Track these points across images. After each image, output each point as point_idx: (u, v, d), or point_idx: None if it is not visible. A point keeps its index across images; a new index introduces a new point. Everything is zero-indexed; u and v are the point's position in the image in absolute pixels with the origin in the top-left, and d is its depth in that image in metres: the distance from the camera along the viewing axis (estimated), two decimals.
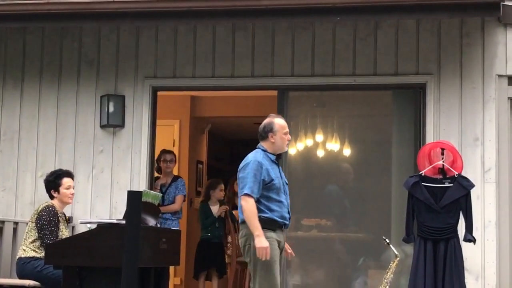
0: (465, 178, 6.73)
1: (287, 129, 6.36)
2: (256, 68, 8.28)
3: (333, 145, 8.58)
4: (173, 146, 10.60)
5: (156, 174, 9.05)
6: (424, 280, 6.56)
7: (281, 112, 8.31)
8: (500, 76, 7.77)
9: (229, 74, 8.32)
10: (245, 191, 6.05)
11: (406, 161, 8.09)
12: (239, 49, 8.32)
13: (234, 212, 10.08)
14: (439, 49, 7.92)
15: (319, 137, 8.60)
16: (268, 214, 6.11)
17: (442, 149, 6.82)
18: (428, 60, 7.94)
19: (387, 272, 7.27)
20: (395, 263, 7.27)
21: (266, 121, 6.33)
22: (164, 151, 9.22)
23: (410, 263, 6.79)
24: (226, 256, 9.94)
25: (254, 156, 6.22)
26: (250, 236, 6.07)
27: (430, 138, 7.71)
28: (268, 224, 6.10)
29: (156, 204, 6.69)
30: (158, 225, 6.68)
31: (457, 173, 6.69)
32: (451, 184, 6.65)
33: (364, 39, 8.10)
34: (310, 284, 8.47)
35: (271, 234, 6.10)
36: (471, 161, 7.62)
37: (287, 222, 6.29)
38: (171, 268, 8.88)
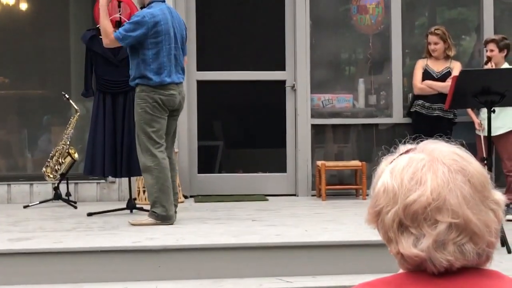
0: None
1: None
2: None
3: None
4: None
5: None
6: (104, 133, 6.60)
7: None
8: None
9: None
10: None
11: (83, 15, 7.93)
12: None
13: None
14: None
15: None
16: None
17: (119, 2, 6.76)
18: None
19: (68, 128, 7.23)
20: (75, 118, 7.24)
21: None
22: None
23: None
24: None
25: None
26: None
27: None
28: None
29: None
30: None
31: None
32: None
33: None
34: None
35: None
36: None
37: None
38: None
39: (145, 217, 6.05)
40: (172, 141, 6.27)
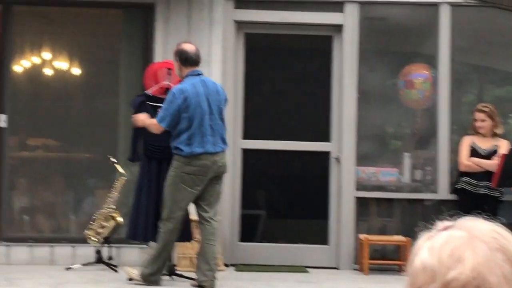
0: None
1: None
2: None
3: (62, 64, 8.33)
4: None
5: None
6: (148, 198, 6.64)
7: (5, 29, 7.91)
8: None
9: None
10: None
11: (134, 81, 8.06)
12: None
13: None
14: None
15: (47, 55, 8.31)
16: None
17: (169, 69, 6.87)
18: None
19: (112, 191, 7.29)
20: (120, 182, 7.29)
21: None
22: None
23: None
24: None
25: None
26: None
27: (158, 58, 7.72)
28: None
29: None
30: None
31: None
32: None
33: None
34: (39, 206, 8.28)
35: None
36: None
37: None
38: None
39: (136, 272, 6.33)
40: (213, 205, 6.30)
